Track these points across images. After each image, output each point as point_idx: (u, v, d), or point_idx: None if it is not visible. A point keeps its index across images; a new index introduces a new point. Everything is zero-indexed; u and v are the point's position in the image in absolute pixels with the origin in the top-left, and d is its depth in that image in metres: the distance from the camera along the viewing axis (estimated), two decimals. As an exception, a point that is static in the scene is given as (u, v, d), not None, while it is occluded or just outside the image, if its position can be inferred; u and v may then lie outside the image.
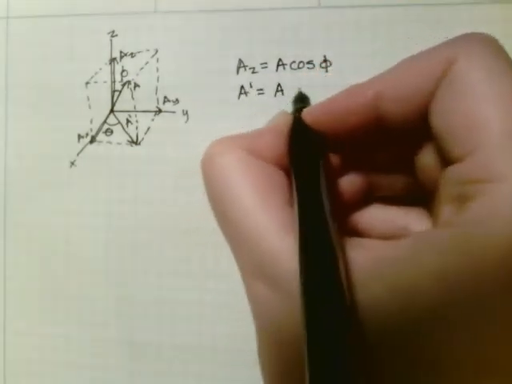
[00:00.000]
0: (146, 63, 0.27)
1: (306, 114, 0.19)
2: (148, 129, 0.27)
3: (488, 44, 0.16)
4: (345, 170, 0.20)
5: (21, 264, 0.29)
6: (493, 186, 0.13)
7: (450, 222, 0.14)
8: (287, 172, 0.18)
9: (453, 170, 0.15)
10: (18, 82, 0.29)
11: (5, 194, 0.29)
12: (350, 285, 0.13)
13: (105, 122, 0.28)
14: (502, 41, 0.25)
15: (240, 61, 0.26)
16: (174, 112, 0.27)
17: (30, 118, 0.29)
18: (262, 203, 0.16)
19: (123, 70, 0.28)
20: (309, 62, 0.26)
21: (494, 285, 0.13)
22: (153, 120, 0.27)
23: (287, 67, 0.26)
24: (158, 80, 0.27)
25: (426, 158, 0.17)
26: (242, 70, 0.26)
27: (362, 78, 0.25)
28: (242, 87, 0.26)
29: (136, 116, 0.28)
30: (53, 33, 0.28)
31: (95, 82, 0.28)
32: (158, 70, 0.27)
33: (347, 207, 0.20)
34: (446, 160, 0.16)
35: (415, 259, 0.13)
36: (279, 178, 0.17)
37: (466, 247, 0.13)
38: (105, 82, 0.28)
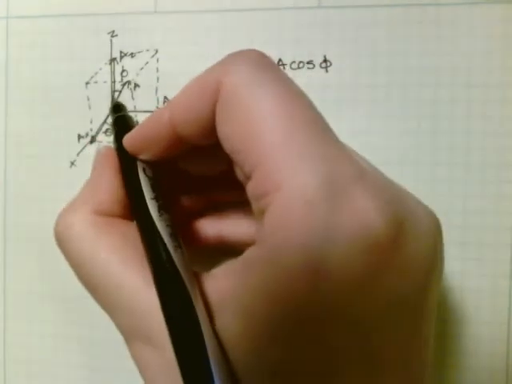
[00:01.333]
0: (146, 63, 0.27)
1: (125, 141, 0.19)
2: (148, 129, 0.27)
3: (252, 60, 0.16)
4: (183, 187, 0.21)
5: (21, 264, 0.29)
6: (274, 197, 0.14)
7: (257, 239, 0.14)
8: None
9: (248, 187, 0.15)
10: (18, 82, 0.29)
11: (5, 193, 0.29)
12: (211, 317, 0.14)
13: (105, 121, 0.28)
14: (502, 41, 0.25)
15: (240, 61, 0.26)
16: (173, 112, 0.27)
17: (30, 118, 0.29)
18: (122, 265, 0.16)
19: (123, 70, 0.28)
20: (309, 62, 0.26)
21: (297, 293, 0.13)
22: (153, 120, 0.27)
23: (287, 67, 0.26)
24: (157, 80, 0.27)
25: (238, 173, 0.17)
26: (241, 70, 0.26)
27: (362, 78, 0.25)
28: (242, 87, 0.26)
29: (136, 116, 0.28)
30: (53, 33, 0.28)
31: (95, 82, 0.28)
32: (157, 70, 0.27)
33: (191, 221, 0.21)
34: (245, 177, 0.16)
35: (245, 282, 0.14)
36: (128, 229, 0.18)
37: (271, 261, 0.13)
38: (105, 82, 0.28)
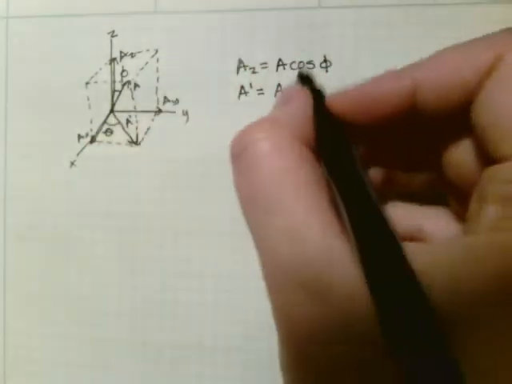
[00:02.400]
0: (146, 63, 0.27)
1: (332, 100, 0.17)
2: (148, 129, 0.27)
3: None
4: (364, 162, 0.18)
5: (21, 264, 0.29)
6: None
7: (498, 226, 0.13)
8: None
9: (500, 169, 0.14)
10: (18, 82, 0.29)
11: (5, 193, 0.29)
12: None
13: (105, 121, 0.28)
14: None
15: (240, 61, 0.26)
16: (173, 112, 0.27)
17: (30, 118, 0.29)
18: (311, 203, 0.14)
19: (123, 70, 0.28)
20: (309, 62, 0.26)
21: None
22: (153, 120, 0.27)
23: (287, 67, 0.26)
24: (157, 80, 0.27)
25: (461, 154, 0.16)
26: (241, 69, 0.26)
27: (361, 78, 0.25)
28: (242, 87, 0.26)
29: (136, 116, 0.28)
30: (53, 33, 0.28)
31: (95, 82, 0.28)
32: (158, 70, 0.27)
33: None
34: (488, 158, 0.15)
35: (473, 263, 0.12)
36: (319, 167, 0.15)
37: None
38: (105, 81, 0.28)
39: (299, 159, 0.15)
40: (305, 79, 0.20)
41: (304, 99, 0.17)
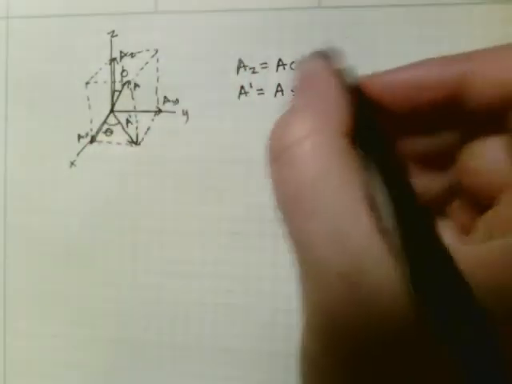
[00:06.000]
0: (146, 63, 0.27)
1: (366, 83, 0.16)
2: (148, 129, 0.27)
3: None
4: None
5: (21, 264, 0.29)
6: None
7: None
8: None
9: None
10: (18, 82, 0.29)
11: (5, 193, 0.29)
12: None
13: (105, 121, 0.28)
14: (502, 41, 0.25)
15: (240, 61, 0.26)
16: (173, 112, 0.27)
17: (30, 118, 0.29)
18: (356, 204, 0.13)
19: (123, 70, 0.28)
20: (309, 62, 0.26)
21: None
22: (153, 120, 0.27)
23: (287, 67, 0.26)
24: (157, 80, 0.27)
25: (492, 158, 0.15)
26: (242, 70, 0.26)
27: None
28: (242, 87, 0.26)
29: (136, 116, 0.28)
30: (53, 33, 0.28)
31: (95, 82, 0.28)
32: (157, 70, 0.27)
33: None
34: None
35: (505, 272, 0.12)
36: (359, 160, 0.14)
37: None
38: (105, 82, 0.28)
39: (343, 157, 0.14)
40: (324, 58, 0.18)
41: (331, 81, 0.16)
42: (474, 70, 0.14)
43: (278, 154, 0.14)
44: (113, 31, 0.28)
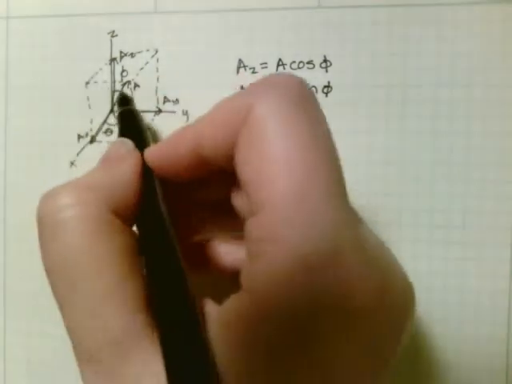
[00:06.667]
0: (146, 63, 0.27)
1: (148, 155, 0.18)
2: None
3: (288, 90, 0.15)
4: (182, 209, 0.20)
5: (21, 264, 0.29)
6: (274, 249, 0.13)
7: (249, 284, 0.14)
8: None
9: (251, 222, 0.14)
10: (18, 82, 0.29)
11: (5, 194, 0.29)
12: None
13: (105, 121, 0.28)
14: (502, 41, 0.25)
15: (240, 61, 0.26)
16: (173, 112, 0.27)
17: (30, 118, 0.29)
18: (113, 278, 0.15)
19: (123, 70, 0.28)
20: (309, 62, 0.26)
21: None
22: (153, 120, 0.27)
23: (287, 67, 0.26)
24: (158, 80, 0.27)
25: (240, 203, 0.17)
26: (242, 70, 0.26)
27: (361, 78, 0.25)
28: (242, 87, 0.26)
29: (136, 116, 0.28)
30: (53, 33, 0.28)
31: (95, 82, 0.28)
32: (157, 70, 0.27)
33: (191, 244, 0.21)
34: (248, 210, 0.15)
35: (228, 329, 0.14)
36: (128, 238, 0.16)
37: (262, 318, 0.13)
38: (105, 81, 0.28)
39: (103, 229, 0.15)
40: (124, 101, 0.23)
41: (125, 162, 0.18)
42: (200, 135, 0.16)
43: (40, 220, 0.16)
44: (113, 31, 0.28)
